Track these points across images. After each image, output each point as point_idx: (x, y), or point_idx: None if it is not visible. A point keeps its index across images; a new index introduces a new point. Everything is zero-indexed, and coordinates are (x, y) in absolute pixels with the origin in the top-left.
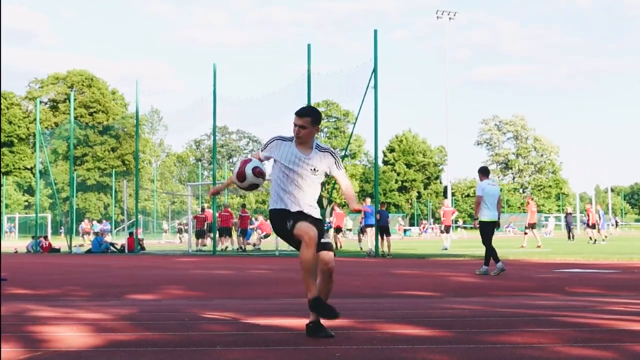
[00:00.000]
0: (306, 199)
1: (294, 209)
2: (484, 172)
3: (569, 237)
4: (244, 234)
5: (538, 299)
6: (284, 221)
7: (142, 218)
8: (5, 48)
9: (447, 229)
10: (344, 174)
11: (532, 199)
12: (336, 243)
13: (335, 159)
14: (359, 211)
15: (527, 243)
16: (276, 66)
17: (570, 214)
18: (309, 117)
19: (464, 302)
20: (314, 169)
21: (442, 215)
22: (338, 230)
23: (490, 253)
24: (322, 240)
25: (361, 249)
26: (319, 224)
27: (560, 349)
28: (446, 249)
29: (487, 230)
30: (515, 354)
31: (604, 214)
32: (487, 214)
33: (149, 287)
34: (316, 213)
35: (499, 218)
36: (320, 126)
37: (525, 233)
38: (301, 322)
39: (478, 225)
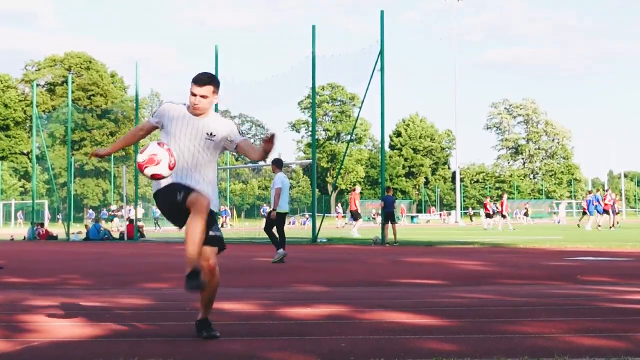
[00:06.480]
0: (200, 176)
1: (187, 182)
2: (279, 164)
3: (612, 225)
4: None
5: (549, 287)
6: (173, 194)
7: (142, 204)
8: (1, 29)
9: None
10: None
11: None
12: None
13: (237, 126)
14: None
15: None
16: (281, 48)
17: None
18: (211, 85)
19: (473, 290)
20: (210, 133)
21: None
22: None
23: (282, 240)
24: (211, 233)
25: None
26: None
27: (572, 338)
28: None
29: (283, 220)
30: (525, 344)
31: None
32: (284, 206)
33: (149, 275)
34: (211, 190)
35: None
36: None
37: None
38: (306, 312)
39: (274, 217)
